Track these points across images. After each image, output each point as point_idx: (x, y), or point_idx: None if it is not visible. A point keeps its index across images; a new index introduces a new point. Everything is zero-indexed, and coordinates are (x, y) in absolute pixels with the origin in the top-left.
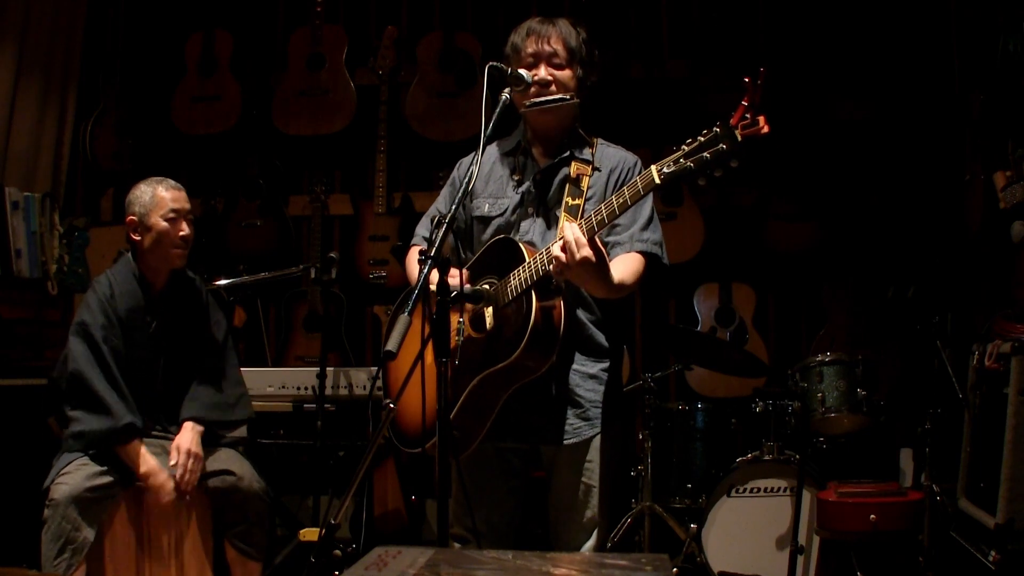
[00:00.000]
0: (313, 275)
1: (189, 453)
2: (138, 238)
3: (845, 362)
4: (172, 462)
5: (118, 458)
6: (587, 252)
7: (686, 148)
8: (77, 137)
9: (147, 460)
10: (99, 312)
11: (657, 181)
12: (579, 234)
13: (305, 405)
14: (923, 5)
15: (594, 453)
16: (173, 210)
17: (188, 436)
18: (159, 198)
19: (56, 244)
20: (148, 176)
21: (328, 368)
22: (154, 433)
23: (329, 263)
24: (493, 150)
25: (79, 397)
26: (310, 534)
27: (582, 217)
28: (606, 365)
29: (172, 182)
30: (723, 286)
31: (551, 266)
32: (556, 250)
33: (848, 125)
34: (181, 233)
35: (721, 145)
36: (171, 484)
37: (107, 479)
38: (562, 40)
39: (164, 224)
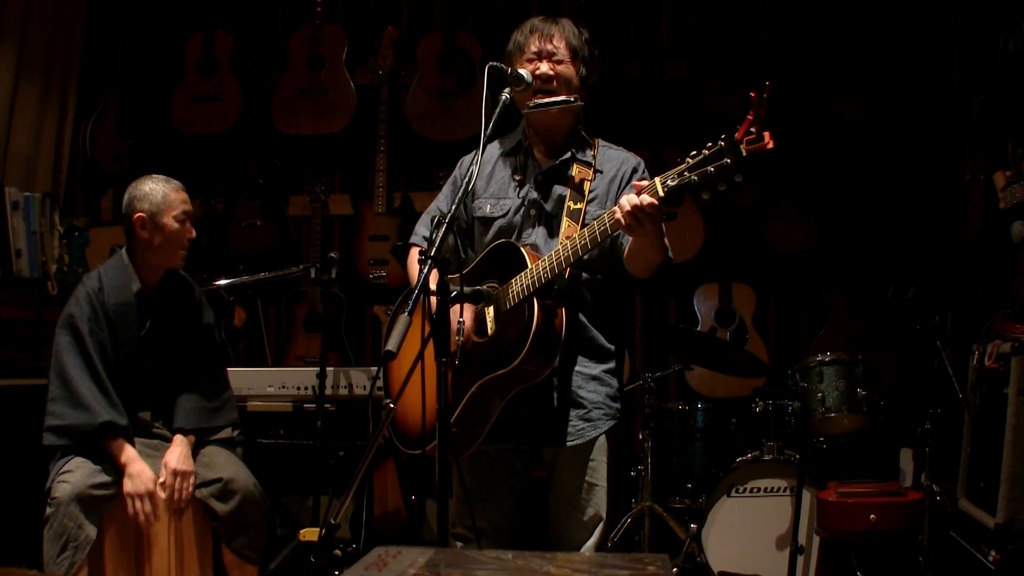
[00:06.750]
0: (313, 275)
1: (176, 473)
2: (146, 235)
3: (845, 362)
4: (161, 480)
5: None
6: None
7: (690, 161)
8: (77, 137)
9: (132, 457)
10: (86, 305)
11: (661, 194)
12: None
13: (305, 405)
14: (923, 5)
15: (597, 452)
16: (184, 212)
17: (176, 453)
18: (171, 199)
19: (56, 244)
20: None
21: (328, 368)
22: (152, 430)
23: (329, 263)
24: (494, 149)
25: (59, 390)
26: (310, 534)
27: (584, 224)
28: (608, 367)
29: (177, 182)
30: (723, 286)
31: (622, 218)
32: (626, 203)
33: (848, 125)
34: (190, 235)
35: (725, 160)
36: (150, 476)
37: (109, 478)
38: (564, 38)
39: (175, 225)
